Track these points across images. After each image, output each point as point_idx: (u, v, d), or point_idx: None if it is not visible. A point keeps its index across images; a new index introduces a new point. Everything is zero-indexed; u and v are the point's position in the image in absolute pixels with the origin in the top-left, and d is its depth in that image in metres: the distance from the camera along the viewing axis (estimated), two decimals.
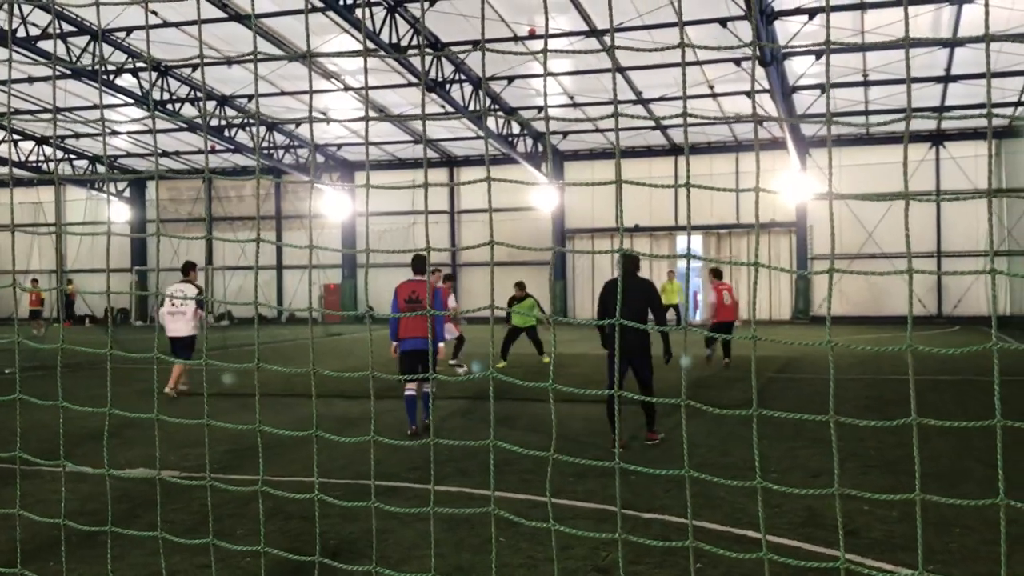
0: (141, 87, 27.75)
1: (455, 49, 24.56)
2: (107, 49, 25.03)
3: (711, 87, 26.90)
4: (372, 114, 30.40)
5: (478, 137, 32.86)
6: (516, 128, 32.36)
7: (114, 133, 34.40)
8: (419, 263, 10.90)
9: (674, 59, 23.85)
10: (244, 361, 19.32)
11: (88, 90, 28.58)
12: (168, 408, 11.93)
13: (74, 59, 24.65)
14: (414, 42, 23.13)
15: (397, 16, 22.36)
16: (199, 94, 29.07)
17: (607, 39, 22.67)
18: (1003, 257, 31.15)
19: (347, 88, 28.41)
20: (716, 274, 17.79)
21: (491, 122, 30.23)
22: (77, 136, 35.69)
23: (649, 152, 35.02)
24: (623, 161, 34.09)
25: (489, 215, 3.08)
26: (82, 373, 17.28)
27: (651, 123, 30.78)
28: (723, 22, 21.30)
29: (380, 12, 22.10)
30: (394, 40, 22.24)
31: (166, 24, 23.09)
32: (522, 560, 5.84)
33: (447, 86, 26.04)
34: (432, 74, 25.07)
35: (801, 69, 25.52)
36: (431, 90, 25.31)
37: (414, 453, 9.02)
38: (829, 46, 2.60)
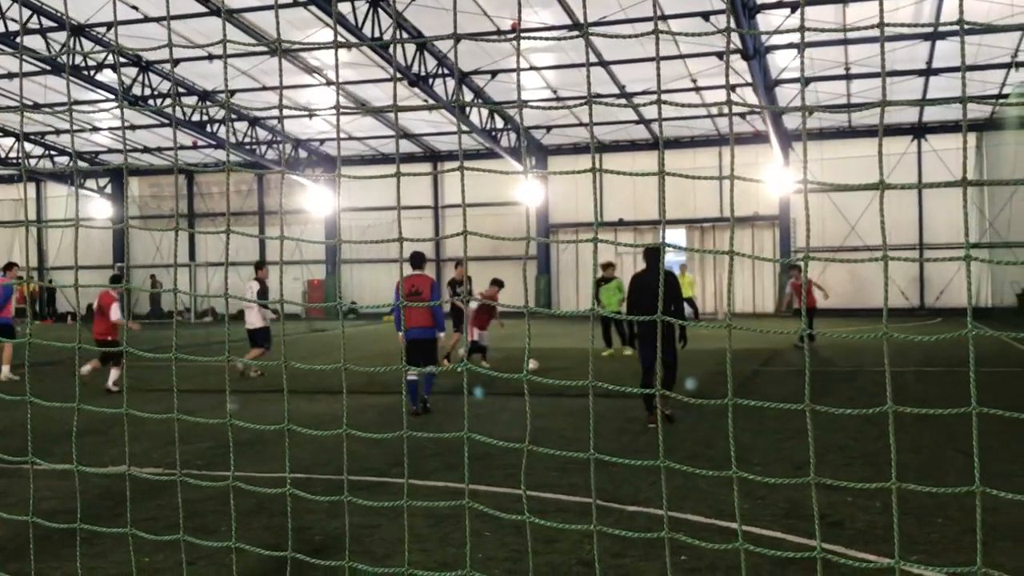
0: (121, 82, 27.54)
1: (439, 43, 24.49)
2: (87, 44, 24.86)
3: (693, 81, 26.93)
4: (354, 108, 30.26)
5: (463, 131, 32.79)
6: (500, 123, 32.34)
7: (94, 129, 34.20)
8: (417, 259, 12.12)
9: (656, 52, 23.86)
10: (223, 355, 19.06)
11: (70, 86, 28.35)
12: (150, 405, 11.88)
13: (53, 54, 24.46)
14: (396, 36, 23.06)
15: (380, 10, 22.28)
16: (181, 89, 28.91)
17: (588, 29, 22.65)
18: (984, 248, 31.33)
19: (330, 83, 28.30)
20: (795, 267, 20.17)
21: (474, 116, 30.21)
22: (57, 132, 35.43)
23: (633, 146, 35.04)
24: (606, 155, 34.28)
25: (463, 207, 3.07)
26: (62, 369, 17.16)
27: (635, 117, 30.81)
28: (705, 16, 21.32)
29: (362, 6, 22.02)
30: (376, 34, 22.17)
31: (147, 19, 22.95)
32: (507, 554, 5.84)
33: (430, 80, 25.98)
34: (415, 68, 24.99)
35: (784, 63, 25.59)
36: (414, 84, 25.23)
37: (398, 448, 9.00)
38: (803, 38, 2.61)
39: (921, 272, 32.05)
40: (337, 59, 3.34)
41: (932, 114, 31.25)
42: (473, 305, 16.39)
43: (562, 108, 3.34)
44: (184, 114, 30.18)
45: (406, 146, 36.83)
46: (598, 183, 3.04)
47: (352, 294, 38.87)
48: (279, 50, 3.36)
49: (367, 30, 21.95)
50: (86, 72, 26.38)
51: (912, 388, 13.15)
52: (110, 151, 37.83)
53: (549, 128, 33.81)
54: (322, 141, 36.28)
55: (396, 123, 3.45)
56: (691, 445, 9.23)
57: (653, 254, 10.71)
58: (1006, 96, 27.85)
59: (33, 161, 37.93)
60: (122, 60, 26.24)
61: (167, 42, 3.45)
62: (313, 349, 22.11)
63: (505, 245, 33.94)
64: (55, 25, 23.94)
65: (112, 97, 28.29)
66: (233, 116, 31.59)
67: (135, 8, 22.28)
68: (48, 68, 25.17)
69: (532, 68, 26.81)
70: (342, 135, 34.86)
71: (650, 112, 29.60)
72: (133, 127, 33.88)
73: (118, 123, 33.62)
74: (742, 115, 29.39)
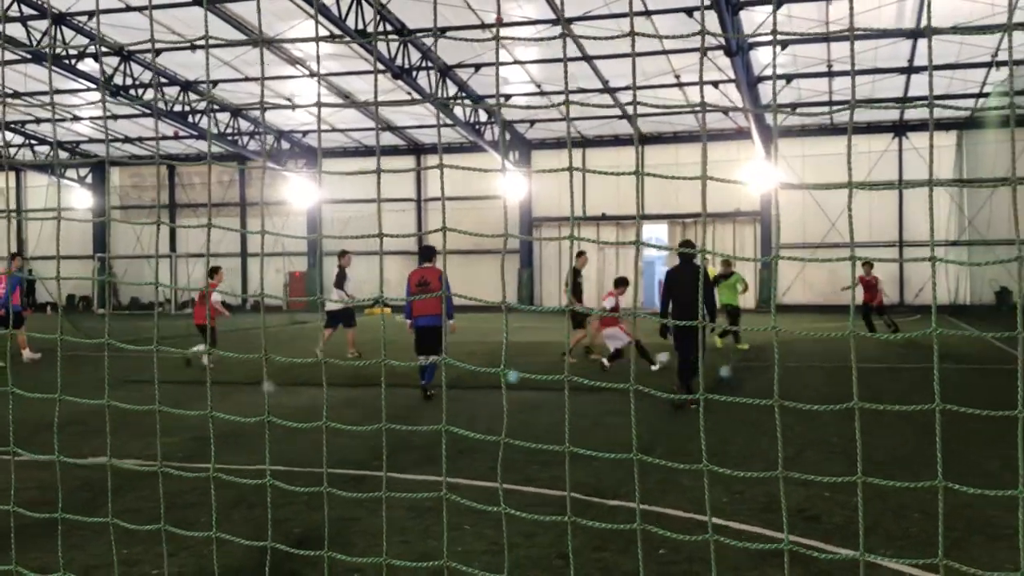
0: (103, 71, 27.39)
1: (422, 36, 24.41)
2: (68, 33, 24.68)
3: (677, 76, 27.00)
4: (336, 100, 30.19)
5: (445, 125, 32.79)
6: (483, 116, 32.32)
7: (75, 119, 33.95)
8: (427, 252, 12.82)
9: (640, 47, 23.93)
10: (208, 349, 19.02)
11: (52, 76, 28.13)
12: (133, 397, 11.83)
13: (34, 43, 24.28)
14: (381, 29, 23.00)
15: (363, 2, 22.23)
16: (163, 79, 28.75)
17: (572, 27, 22.69)
18: (963, 246, 31.58)
19: (313, 74, 28.21)
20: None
21: (458, 110, 30.18)
22: (38, 121, 35.17)
23: (616, 141, 35.11)
24: (590, 150, 34.30)
25: (442, 202, 3.09)
26: (45, 361, 17.08)
27: (618, 112, 30.84)
28: (689, 12, 21.38)
29: None
30: (360, 26, 22.11)
31: (128, 8, 22.80)
32: (486, 547, 5.86)
33: (414, 73, 25.94)
34: (399, 61, 24.94)
35: (767, 59, 25.68)
36: (397, 77, 25.19)
37: (377, 441, 9.02)
38: (776, 36, 2.63)
39: (901, 269, 32.27)
40: (319, 54, 3.34)
41: (913, 112, 31.44)
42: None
43: (541, 107, 3.37)
44: (166, 104, 30.00)
45: (389, 139, 36.76)
46: (582, 178, 3.06)
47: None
48: (261, 44, 3.36)
49: (351, 22, 21.89)
50: (67, 61, 26.18)
51: (889, 385, 13.25)
52: (91, 140, 37.57)
53: (533, 123, 33.83)
54: (304, 133, 36.16)
55: (376, 117, 3.46)
56: (668, 440, 9.29)
57: (687, 250, 12.03)
58: (986, 95, 28.05)
59: (13, 151, 37.62)
60: (103, 49, 26.04)
61: (149, 31, 3.44)
62: (294, 341, 22.04)
63: (487, 239, 33.97)
64: (35, 13, 23.76)
65: (94, 87, 28.09)
66: (216, 107, 31.43)
67: None
68: (28, 57, 24.95)
69: (516, 62, 26.80)
70: (324, 127, 34.74)
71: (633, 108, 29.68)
72: (115, 117, 33.66)
73: (99, 112, 33.41)
74: (724, 111, 29.47)
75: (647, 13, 21.90)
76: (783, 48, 24.35)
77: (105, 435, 9.19)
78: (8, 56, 26.30)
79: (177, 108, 30.23)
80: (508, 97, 30.26)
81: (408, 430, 4.16)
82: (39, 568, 4.95)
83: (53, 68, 26.67)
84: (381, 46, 24.20)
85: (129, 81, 27.87)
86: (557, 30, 23.04)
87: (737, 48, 22.19)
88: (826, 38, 23.07)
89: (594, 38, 3.03)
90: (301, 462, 8.33)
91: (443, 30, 23.12)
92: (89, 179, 40.90)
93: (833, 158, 30.97)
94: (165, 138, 36.02)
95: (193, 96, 30.00)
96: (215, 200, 40.32)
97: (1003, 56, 24.78)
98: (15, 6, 23.02)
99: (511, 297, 35.54)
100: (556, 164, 35.72)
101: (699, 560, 5.56)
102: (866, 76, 26.19)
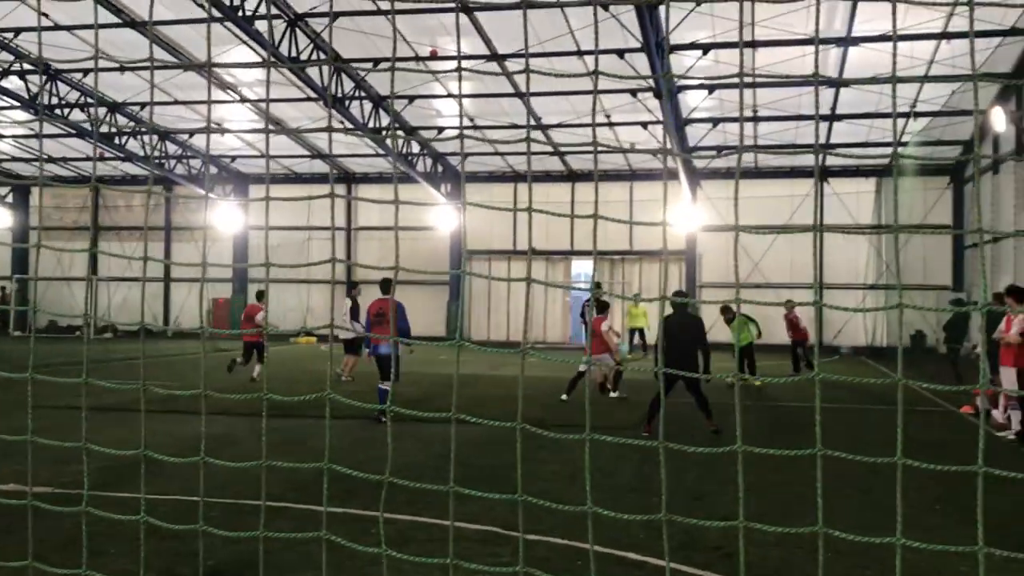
0: (28, 90, 26.84)
1: (355, 66, 24.42)
2: None
3: (607, 116, 27.39)
4: (270, 127, 29.94)
5: (377, 154, 32.71)
6: (416, 148, 32.36)
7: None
8: (384, 284, 14.50)
9: (572, 87, 24.26)
10: (125, 376, 18.66)
11: None
12: (40, 423, 11.49)
13: None
14: (314, 56, 22.94)
15: (297, 30, 22.17)
16: (90, 99, 28.24)
17: (507, 64, 22.91)
18: (881, 290, 32.43)
19: (243, 100, 27.99)
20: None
21: (390, 141, 30.16)
22: None
23: (548, 177, 35.40)
24: (521, 185, 34.45)
25: (346, 230, 3.09)
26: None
27: (549, 149, 31.12)
28: (620, 53, 21.73)
29: (279, 25, 21.89)
30: (293, 54, 22.03)
31: (57, 27, 22.40)
32: None
33: (347, 102, 25.91)
34: (332, 90, 24.88)
35: (695, 102, 26.19)
36: (331, 106, 25.12)
37: (297, 474, 8.90)
38: (670, 78, 2.70)
39: (819, 311, 32.87)
40: (269, 80, 3.33)
41: (834, 159, 32.30)
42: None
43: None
44: (91, 124, 29.45)
45: (321, 167, 36.55)
46: (513, 214, 3.10)
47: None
48: (208, 67, 3.34)
49: (283, 49, 21.80)
50: None
51: (809, 429, 13.49)
52: (13, 159, 36.67)
53: (465, 156, 33.93)
54: (233, 158, 35.74)
55: (330, 148, 3.46)
56: (592, 474, 9.31)
57: (680, 301, 13.29)
58: (904, 144, 28.96)
59: None
60: (27, 67, 25.52)
61: (78, 50, 3.39)
62: (217, 370, 21.65)
63: (418, 271, 33.85)
64: None
65: (17, 104, 27.51)
66: (141, 128, 30.94)
67: (45, 15, 21.73)
68: None
69: (450, 95, 26.93)
70: (254, 152, 34.43)
71: (563, 145, 29.97)
72: (39, 136, 32.92)
73: (22, 131, 32.67)
74: (652, 153, 29.89)
75: (579, 53, 22.22)
76: (710, 92, 24.88)
77: (13, 461, 8.91)
78: None
79: (104, 129, 29.67)
80: (441, 130, 30.36)
81: (319, 466, 4.11)
82: None
83: None
84: (314, 74, 24.16)
85: (55, 100, 27.32)
86: (491, 67, 23.27)
87: (665, 91, 22.61)
88: (753, 83, 23.65)
89: (487, 73, 3.06)
90: (214, 493, 8.16)
91: (376, 61, 23.21)
92: (9, 199, 39.84)
93: (758, 201, 31.61)
94: (90, 159, 35.29)
95: (123, 119, 29.50)
96: (139, 223, 39.57)
97: (921, 107, 25.66)
98: None
99: (440, 329, 35.43)
100: (488, 198, 35.82)
101: None
102: (790, 122, 26.88)
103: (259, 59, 22.90)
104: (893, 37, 2.53)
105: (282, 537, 6.39)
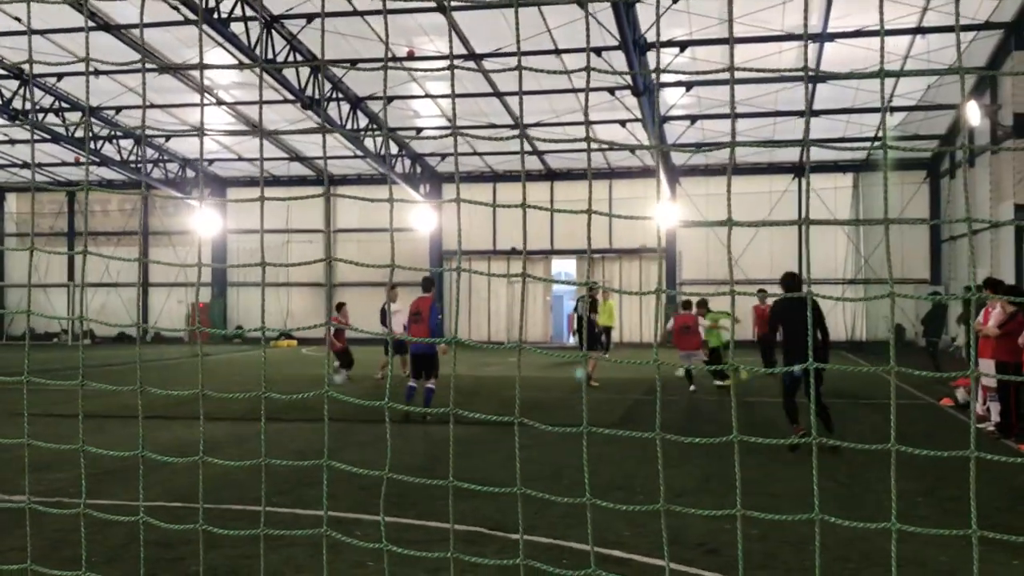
0: (2, 95, 26.58)
1: (334, 68, 24.33)
2: None
3: (584, 114, 27.39)
4: (247, 129, 29.84)
5: (355, 156, 32.60)
6: (394, 148, 32.29)
7: None
8: (425, 283, 14.19)
9: (550, 86, 24.26)
10: (102, 381, 18.49)
11: None
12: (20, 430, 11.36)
13: None
14: (290, 58, 22.85)
15: (273, 32, 22.06)
16: (64, 104, 28.01)
17: (486, 63, 22.88)
18: (860, 284, 32.61)
19: (220, 102, 27.84)
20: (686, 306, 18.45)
21: (368, 142, 30.09)
22: None
23: (527, 176, 35.32)
24: (500, 185, 34.48)
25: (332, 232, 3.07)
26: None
27: (528, 148, 31.12)
28: (598, 51, 21.74)
29: (255, 27, 21.77)
30: (269, 56, 21.92)
31: (31, 31, 22.15)
32: None
33: (324, 103, 25.82)
34: (308, 91, 24.78)
35: (673, 99, 26.26)
36: (307, 107, 25.03)
37: (280, 477, 8.86)
38: (659, 74, 2.70)
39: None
40: (262, 84, 3.29)
41: (812, 154, 32.41)
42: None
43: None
44: (67, 130, 29.22)
45: (299, 169, 36.41)
46: (492, 213, 3.08)
47: (237, 317, 38.06)
48: (200, 70, 3.30)
49: (259, 51, 21.69)
50: None
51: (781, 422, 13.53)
52: None
53: (444, 156, 33.91)
54: (211, 161, 35.56)
55: (324, 151, 3.43)
56: (574, 472, 9.28)
57: (793, 280, 11.94)
58: (881, 139, 29.10)
59: None
60: (2, 72, 25.28)
61: (51, 54, 3.35)
62: (194, 372, 21.52)
63: (397, 271, 33.77)
64: None
65: None
66: (118, 132, 30.70)
67: (17, 19, 21.52)
68: None
69: (428, 96, 26.90)
70: (231, 155, 34.29)
71: (542, 144, 29.97)
72: (12, 142, 32.67)
73: None
74: (631, 149, 30.00)
75: (557, 52, 22.22)
76: (688, 89, 24.95)
77: None
78: None
79: (79, 134, 29.44)
80: (419, 130, 30.30)
81: (312, 464, 4.08)
82: None
83: None
84: (291, 77, 24.05)
85: (27, 106, 27.06)
86: (468, 66, 23.24)
87: (644, 89, 22.65)
88: (732, 80, 23.67)
89: (491, 71, 3.02)
90: (196, 498, 8.10)
91: (353, 62, 23.15)
92: None
93: (737, 197, 31.31)
94: (64, 164, 35.02)
95: (96, 123, 29.25)
96: (117, 228, 39.30)
97: (896, 103, 25.83)
98: None
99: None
100: (466, 196, 35.71)
101: None
102: (767, 119, 26.98)
103: (235, 61, 22.77)
104: (881, 32, 2.53)
105: (278, 538, 6.34)
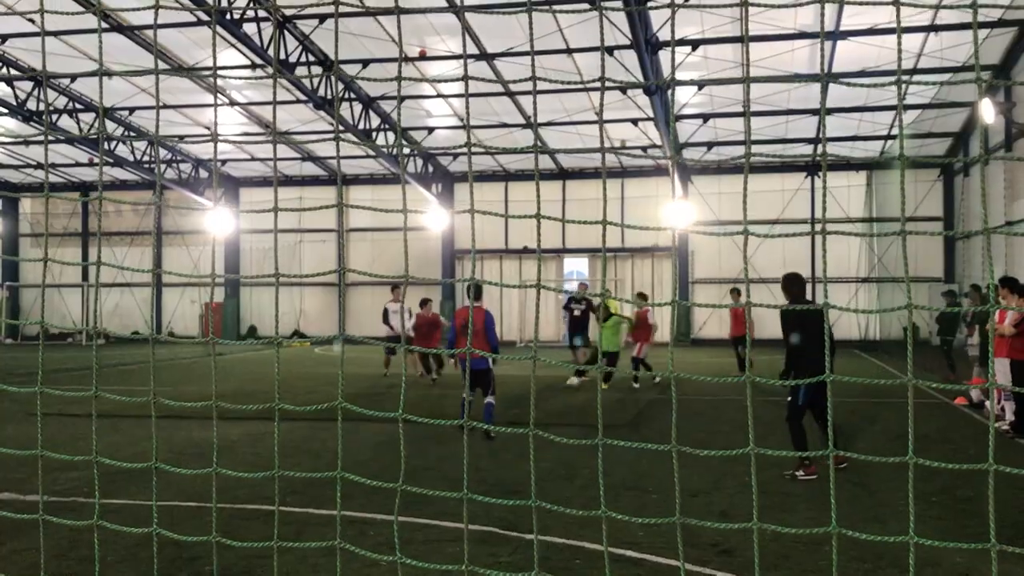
0: (16, 97, 26.72)
1: (345, 67, 24.36)
2: None
3: (597, 113, 27.38)
4: (260, 132, 29.93)
5: (367, 156, 32.64)
6: (406, 148, 32.33)
7: None
8: (478, 291, 12.16)
9: (561, 85, 24.21)
10: (116, 382, 18.58)
11: None
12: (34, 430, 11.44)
13: None
14: (303, 59, 22.90)
15: (286, 32, 22.11)
16: (78, 105, 28.16)
17: (496, 63, 22.88)
18: (873, 283, 32.49)
19: (233, 103, 27.92)
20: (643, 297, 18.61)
21: (380, 141, 30.14)
22: None
23: (539, 175, 35.38)
24: (512, 184, 34.43)
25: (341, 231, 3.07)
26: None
27: (539, 146, 31.04)
28: (610, 51, 21.71)
29: (267, 28, 21.81)
30: (282, 57, 21.97)
31: (46, 33, 22.27)
32: None
33: (337, 104, 25.84)
34: (321, 92, 24.82)
35: (685, 98, 26.21)
36: (319, 108, 25.08)
37: (294, 477, 8.87)
38: (675, 78, 2.69)
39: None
40: (276, 87, 3.31)
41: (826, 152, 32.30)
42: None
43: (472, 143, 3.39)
44: (81, 130, 29.35)
45: (311, 168, 36.49)
46: (504, 212, 3.08)
47: (250, 318, 38.16)
48: (214, 72, 3.32)
49: (272, 52, 21.73)
50: None
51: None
52: (2, 166, 36.56)
53: (456, 156, 33.94)
54: (224, 162, 35.68)
55: (338, 151, 3.44)
56: (589, 472, 9.28)
57: (797, 284, 10.44)
58: (894, 137, 29.01)
59: None
60: (15, 74, 25.42)
61: (64, 56, 3.37)
62: (209, 372, 21.61)
63: (410, 267, 33.81)
64: None
65: (5, 112, 27.43)
66: (132, 133, 30.85)
67: (31, 21, 21.64)
68: None
69: (440, 96, 26.92)
70: (244, 156, 34.43)
71: (555, 143, 29.93)
72: (27, 142, 32.81)
73: (8, 139, 32.52)
74: (643, 149, 30.00)
75: (568, 51, 22.19)
76: (700, 88, 24.89)
77: (6, 469, 8.86)
78: None
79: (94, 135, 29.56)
80: (431, 130, 30.34)
81: (325, 476, 4.09)
82: None
83: None
84: (306, 78, 24.10)
85: (42, 107, 27.21)
86: (480, 64, 23.23)
87: (656, 88, 22.61)
88: (746, 79, 23.61)
89: (492, 81, 3.02)
90: (211, 498, 8.13)
91: (366, 62, 23.18)
92: (0, 206, 39.73)
93: (749, 195, 31.30)
94: (79, 164, 35.20)
95: (110, 123, 29.40)
96: (131, 228, 39.45)
97: (910, 100, 25.71)
98: None
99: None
100: (478, 197, 35.81)
101: None
102: (780, 117, 26.90)
103: (247, 62, 22.83)
104: (897, 30, 2.52)
105: (293, 537, 6.37)
